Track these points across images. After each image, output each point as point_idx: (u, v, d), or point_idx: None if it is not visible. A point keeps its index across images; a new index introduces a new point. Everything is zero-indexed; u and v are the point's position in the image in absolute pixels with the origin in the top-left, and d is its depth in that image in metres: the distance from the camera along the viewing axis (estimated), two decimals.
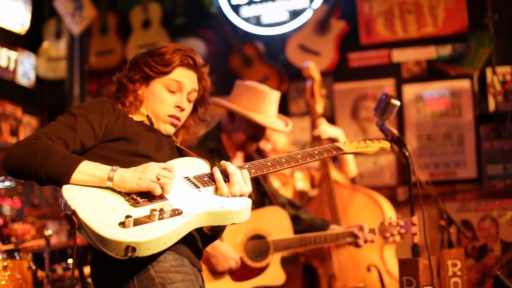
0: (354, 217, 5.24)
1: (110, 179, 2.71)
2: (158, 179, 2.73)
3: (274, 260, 4.71)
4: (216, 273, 4.51)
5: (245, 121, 4.69)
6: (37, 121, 8.36)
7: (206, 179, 2.95)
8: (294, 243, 4.71)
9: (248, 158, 4.91)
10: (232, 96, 4.80)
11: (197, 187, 2.89)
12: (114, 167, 2.74)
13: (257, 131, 4.75)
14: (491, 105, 6.84)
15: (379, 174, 7.04)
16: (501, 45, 6.82)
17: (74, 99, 8.21)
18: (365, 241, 4.66)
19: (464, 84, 6.97)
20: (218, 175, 2.92)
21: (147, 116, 3.27)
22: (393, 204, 5.63)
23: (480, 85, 6.94)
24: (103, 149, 3.00)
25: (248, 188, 2.95)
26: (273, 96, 4.78)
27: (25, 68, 8.11)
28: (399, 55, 7.25)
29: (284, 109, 7.52)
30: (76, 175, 2.71)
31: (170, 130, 3.30)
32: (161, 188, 2.73)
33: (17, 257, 4.56)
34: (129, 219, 2.55)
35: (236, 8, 7.86)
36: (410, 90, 7.16)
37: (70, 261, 5.30)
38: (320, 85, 5.80)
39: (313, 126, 5.67)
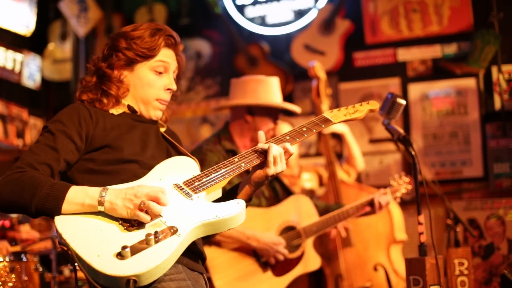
0: (360, 218, 5.22)
1: (101, 204, 2.64)
2: (143, 203, 2.63)
3: (308, 246, 4.77)
4: (268, 265, 4.57)
5: (267, 114, 4.77)
6: (43, 123, 8.37)
7: (197, 184, 2.86)
8: (322, 225, 4.78)
9: None
10: (238, 94, 4.81)
11: (189, 195, 2.81)
12: (103, 192, 2.66)
13: (275, 119, 4.86)
14: (497, 104, 6.83)
15: (385, 173, 7.02)
16: (506, 43, 6.80)
17: None
18: (381, 206, 4.80)
19: (469, 83, 6.95)
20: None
21: (128, 105, 3.14)
22: (399, 203, 5.62)
23: (485, 84, 6.93)
24: (87, 161, 2.92)
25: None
26: (275, 82, 4.91)
27: (31, 70, 8.12)
28: (404, 54, 7.24)
29: None
30: (65, 206, 2.64)
31: (159, 114, 3.19)
32: (152, 212, 2.65)
33: (24, 259, 4.56)
34: (126, 249, 2.49)
35: (241, 9, 7.86)
36: (415, 89, 7.15)
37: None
38: (326, 84, 5.81)
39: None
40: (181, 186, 2.85)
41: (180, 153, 3.22)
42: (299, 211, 4.79)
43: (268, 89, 4.80)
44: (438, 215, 6.59)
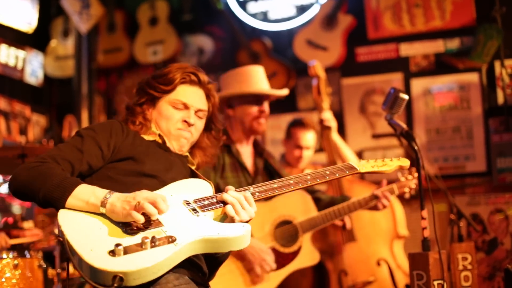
0: (363, 213, 5.22)
1: (103, 205, 2.71)
2: (139, 203, 2.67)
3: (305, 241, 4.74)
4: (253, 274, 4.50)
5: (245, 102, 4.74)
6: (46, 120, 8.38)
7: (206, 202, 2.91)
8: (320, 220, 4.75)
9: (256, 148, 4.91)
10: (222, 88, 4.82)
11: (196, 211, 2.84)
12: (108, 195, 2.73)
13: (259, 104, 4.76)
14: (500, 98, 6.82)
15: None
16: (509, 38, 6.79)
17: (82, 97, 8.22)
18: (388, 199, 4.72)
19: (472, 77, 6.94)
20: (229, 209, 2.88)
21: (159, 135, 3.30)
22: (402, 198, 5.61)
23: (488, 78, 6.92)
24: (109, 169, 3.03)
25: (253, 210, 2.93)
26: (257, 69, 4.84)
27: (33, 67, 8.13)
28: (407, 49, 7.23)
29: (292, 104, 7.52)
30: (70, 200, 2.73)
31: (183, 145, 3.33)
32: (150, 215, 2.68)
33: (28, 256, 4.56)
34: (119, 247, 2.51)
35: (243, 4, 7.85)
36: (418, 84, 7.14)
37: None
38: (326, 83, 5.81)
39: (320, 121, 5.70)
40: (189, 203, 2.90)
41: None
42: (297, 205, 4.77)
43: (241, 79, 4.77)
44: (441, 210, 6.58)
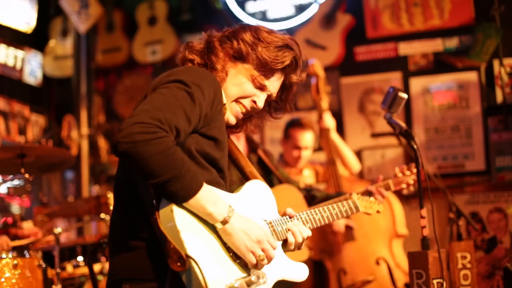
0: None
1: (224, 223, 2.53)
2: (260, 256, 2.59)
3: None
4: None
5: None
6: (45, 120, 8.38)
7: (279, 229, 2.85)
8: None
9: (250, 144, 4.90)
10: None
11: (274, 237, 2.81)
12: (230, 211, 2.54)
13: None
14: (499, 97, 6.83)
15: (388, 168, 7.02)
16: (508, 37, 6.79)
17: (81, 97, 8.23)
18: (383, 197, 4.48)
19: (471, 76, 6.95)
20: (291, 238, 2.86)
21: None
22: (402, 197, 5.63)
23: (487, 77, 6.92)
24: (192, 141, 2.65)
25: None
26: None
27: (32, 66, 8.13)
28: (405, 48, 7.23)
29: None
30: (191, 202, 2.49)
31: (232, 120, 2.94)
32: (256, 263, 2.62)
33: (27, 255, 4.56)
34: (237, 286, 2.51)
35: (241, 4, 7.86)
36: (417, 83, 7.14)
37: (80, 258, 5.31)
38: (325, 82, 5.82)
39: (319, 121, 5.70)
40: (270, 226, 2.84)
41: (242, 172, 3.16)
42: (287, 201, 4.72)
43: None
44: (440, 209, 6.58)
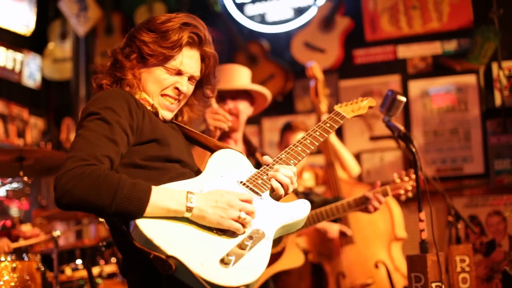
0: (360, 215, 5.23)
1: (189, 211, 2.51)
2: (239, 217, 2.56)
3: (290, 243, 4.68)
4: None
5: (218, 100, 4.54)
6: (44, 123, 8.38)
7: (260, 181, 2.81)
8: (307, 221, 4.61)
9: (248, 148, 4.89)
10: None
11: (258, 194, 2.76)
12: (189, 197, 2.52)
13: (222, 102, 4.59)
14: (498, 100, 6.83)
15: (386, 171, 7.02)
16: (506, 40, 6.80)
17: (80, 100, 8.23)
18: (380, 203, 4.46)
19: (470, 79, 6.95)
20: (275, 183, 2.80)
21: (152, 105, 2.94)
22: (400, 200, 5.62)
23: (486, 80, 6.93)
24: (134, 154, 2.73)
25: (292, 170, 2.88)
26: (234, 68, 4.76)
27: (31, 69, 8.13)
28: (404, 51, 7.24)
29: (290, 107, 7.53)
30: (149, 210, 2.47)
31: (167, 115, 2.99)
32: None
33: (26, 259, 4.56)
34: (231, 257, 2.45)
35: (240, 7, 7.86)
36: (416, 86, 7.15)
37: (78, 261, 5.31)
38: (324, 84, 5.83)
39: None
40: (246, 184, 2.80)
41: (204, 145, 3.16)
42: None
43: (224, 75, 4.67)
44: (439, 212, 6.59)
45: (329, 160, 5.68)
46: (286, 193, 2.83)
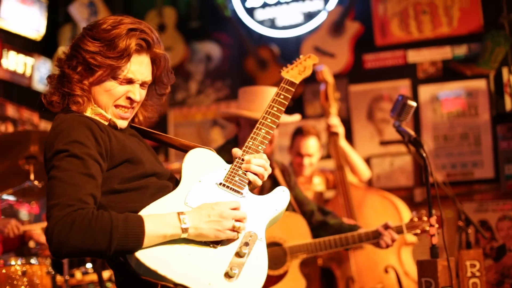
0: (370, 219, 5.22)
1: (185, 231, 2.53)
2: (234, 226, 2.60)
3: (293, 267, 4.63)
4: None
5: (247, 123, 4.61)
6: None
7: (237, 178, 2.82)
8: (313, 248, 4.58)
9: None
10: (238, 102, 4.80)
11: (238, 192, 2.78)
12: (182, 218, 2.54)
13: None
14: (508, 105, 6.82)
15: (396, 175, 7.01)
16: None
17: None
18: (392, 240, 4.44)
19: (480, 84, 6.94)
20: (251, 176, 2.83)
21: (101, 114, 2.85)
22: (410, 205, 5.62)
23: (496, 85, 6.92)
24: (110, 181, 2.68)
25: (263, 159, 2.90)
26: (266, 91, 4.69)
27: (41, 74, 8.14)
28: (414, 56, 7.23)
29: (300, 111, 7.51)
30: (146, 241, 2.48)
31: (122, 124, 2.90)
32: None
33: (36, 263, 4.57)
34: (234, 271, 2.50)
35: (250, 11, 7.87)
36: (426, 91, 7.14)
37: (89, 265, 5.31)
38: (334, 88, 5.82)
39: (328, 127, 5.71)
40: (225, 185, 2.80)
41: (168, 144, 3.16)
42: (290, 229, 4.64)
43: (250, 98, 4.67)
44: (449, 217, 6.57)
45: (338, 163, 5.68)
46: (262, 181, 2.87)
